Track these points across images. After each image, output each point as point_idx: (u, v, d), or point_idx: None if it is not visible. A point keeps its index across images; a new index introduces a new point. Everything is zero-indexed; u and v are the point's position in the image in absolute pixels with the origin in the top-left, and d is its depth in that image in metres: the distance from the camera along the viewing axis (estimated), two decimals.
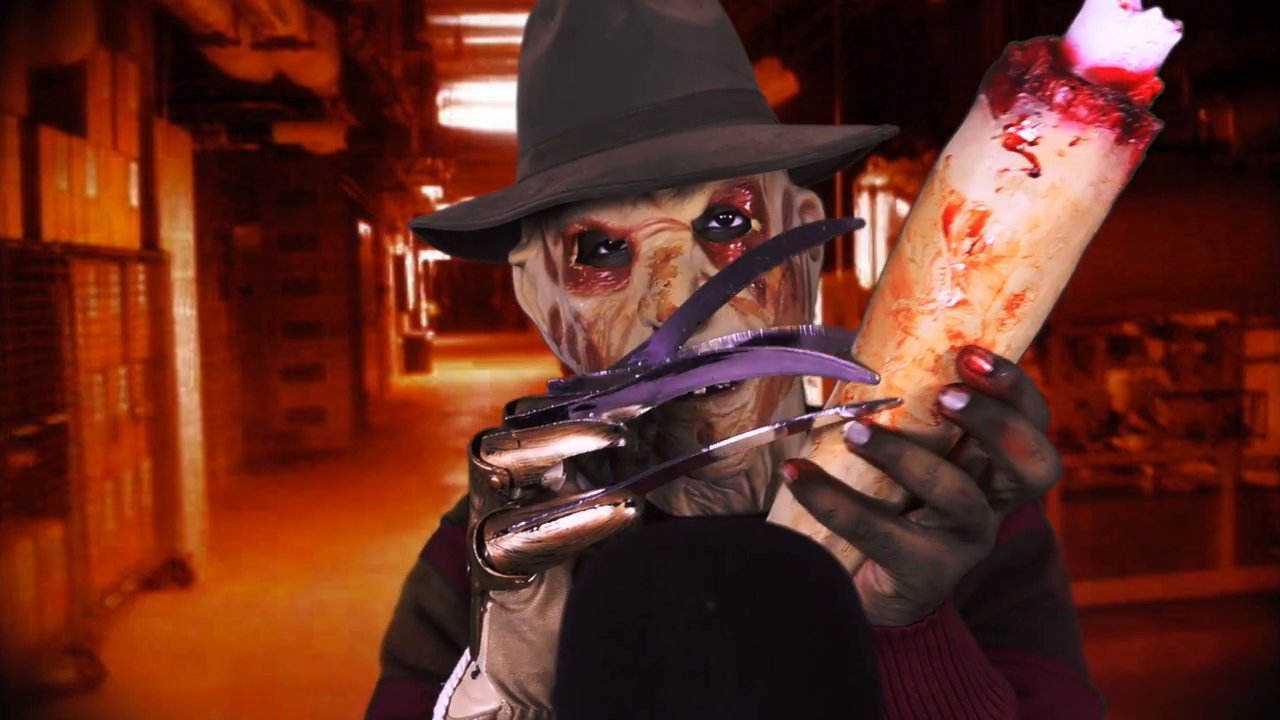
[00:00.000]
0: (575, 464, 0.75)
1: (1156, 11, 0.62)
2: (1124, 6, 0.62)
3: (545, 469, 0.71)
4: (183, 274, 7.59)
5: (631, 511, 0.69)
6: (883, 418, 0.68)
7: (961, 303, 0.66)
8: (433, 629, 1.00)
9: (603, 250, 0.89)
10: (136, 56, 6.86)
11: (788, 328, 0.81)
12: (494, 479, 0.71)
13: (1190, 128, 6.46)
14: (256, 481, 10.41)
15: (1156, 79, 0.64)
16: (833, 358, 0.70)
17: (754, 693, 0.57)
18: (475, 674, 0.80)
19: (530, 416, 0.73)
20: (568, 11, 0.92)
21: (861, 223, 0.79)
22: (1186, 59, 6.01)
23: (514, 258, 0.99)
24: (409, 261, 22.87)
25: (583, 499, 0.69)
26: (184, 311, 7.58)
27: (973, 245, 0.65)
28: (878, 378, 0.68)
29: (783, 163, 0.84)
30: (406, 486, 9.75)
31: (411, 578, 1.04)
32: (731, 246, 0.88)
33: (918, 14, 7.72)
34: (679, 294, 0.84)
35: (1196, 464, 6.38)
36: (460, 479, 10.06)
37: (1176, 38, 0.62)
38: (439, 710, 0.81)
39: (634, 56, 0.89)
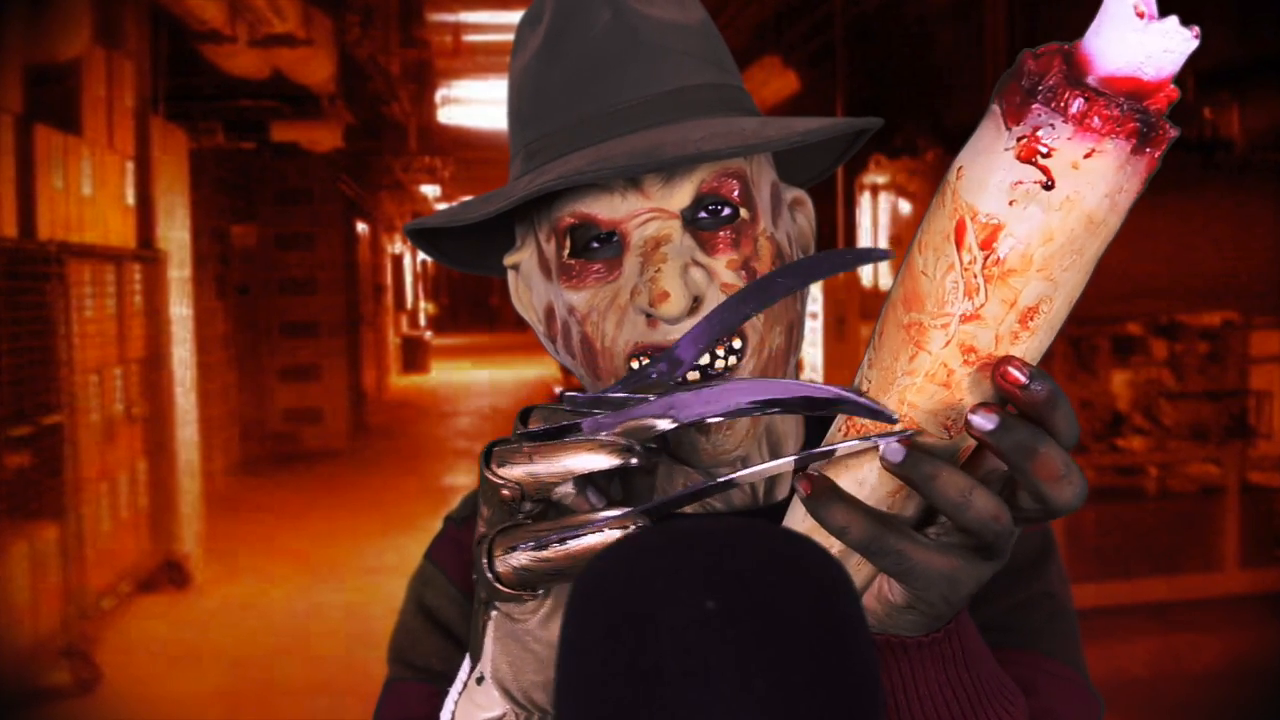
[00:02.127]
0: (587, 477, 0.74)
1: (1173, 19, 0.60)
2: (1140, 15, 0.60)
3: (556, 484, 0.71)
4: (179, 273, 7.57)
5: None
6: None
7: (974, 317, 0.65)
8: (439, 628, 1.01)
9: (594, 243, 0.90)
10: (132, 54, 6.84)
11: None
12: (504, 492, 0.72)
13: (1195, 126, 6.45)
14: (253, 482, 10.38)
15: (1173, 87, 0.62)
16: (851, 393, 0.69)
17: (754, 692, 0.57)
18: (480, 680, 0.80)
19: (543, 432, 0.72)
20: (554, 15, 0.94)
21: (890, 254, 0.76)
22: (1191, 57, 5.98)
23: (508, 260, 1.00)
24: (407, 261, 22.84)
25: (592, 521, 0.69)
26: (180, 311, 7.56)
27: (986, 259, 0.64)
28: (897, 417, 0.67)
29: (767, 146, 0.85)
30: (404, 488, 9.75)
31: (416, 578, 1.05)
32: (720, 234, 0.89)
33: (920, 11, 7.71)
34: (670, 279, 0.85)
35: (1201, 465, 6.35)
36: (459, 480, 10.07)
37: (1194, 45, 0.60)
38: (445, 716, 0.82)
39: (620, 54, 0.91)
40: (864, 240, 7.27)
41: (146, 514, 6.78)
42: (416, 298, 25.57)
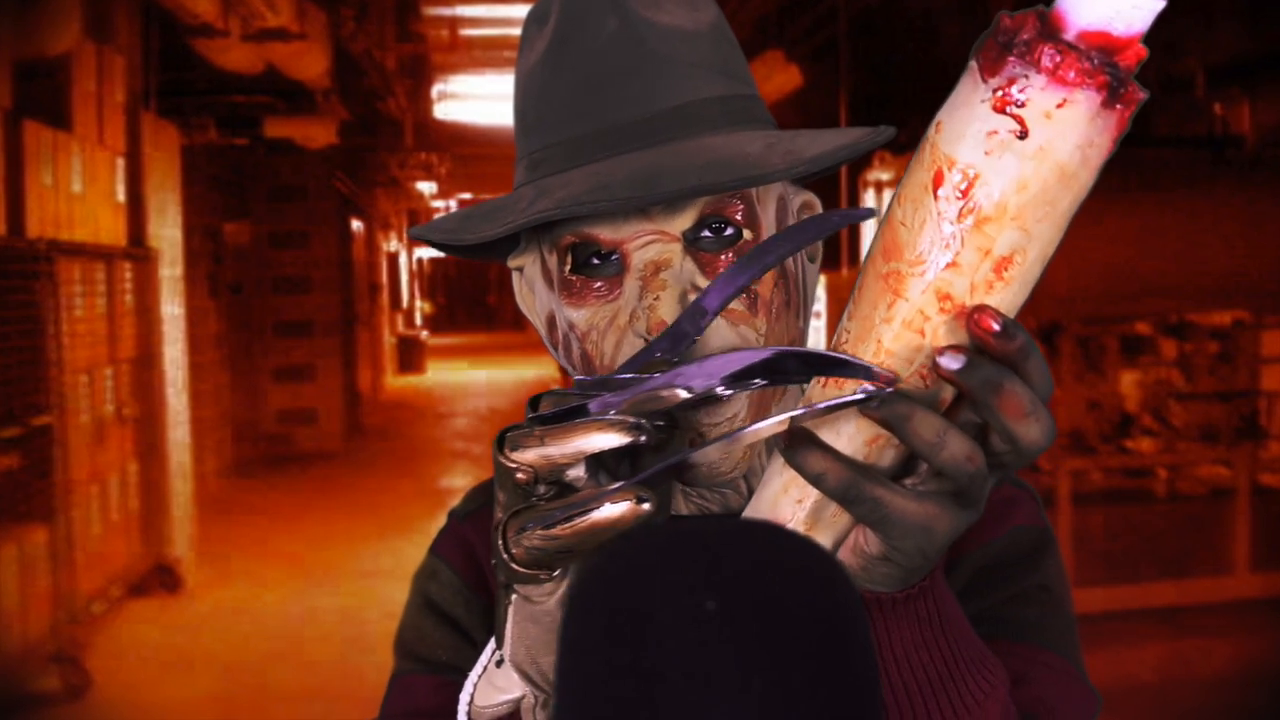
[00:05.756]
0: (597, 459, 0.76)
1: None
2: None
3: (568, 466, 0.73)
4: (171, 272, 7.55)
5: (647, 506, 0.71)
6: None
7: (951, 265, 0.68)
8: (444, 621, 1.02)
9: (595, 261, 0.91)
10: (123, 49, 6.83)
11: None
12: (518, 475, 0.74)
13: (1205, 122, 6.44)
14: (246, 485, 10.42)
15: (1141, 45, 0.65)
16: (846, 355, 0.71)
17: (754, 693, 0.57)
18: (500, 663, 0.82)
19: (553, 414, 0.74)
20: (560, 18, 0.93)
21: (871, 212, 0.81)
22: (1201, 52, 5.99)
23: (512, 262, 1.01)
24: (403, 259, 22.86)
25: (598, 496, 0.71)
26: (172, 310, 7.54)
27: (962, 208, 0.67)
28: (883, 372, 0.69)
29: (770, 177, 0.85)
30: (400, 490, 9.80)
31: (420, 573, 1.07)
32: (723, 257, 0.90)
33: (925, 4, 7.69)
34: (668, 307, 0.86)
35: (1211, 466, 6.35)
36: (456, 482, 10.09)
37: (1161, 3, 0.64)
38: (464, 698, 0.84)
39: (625, 66, 0.91)
40: (868, 237, 7.24)
41: (137, 517, 6.75)
42: (413, 297, 25.56)
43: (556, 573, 0.76)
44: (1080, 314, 6.08)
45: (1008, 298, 0.68)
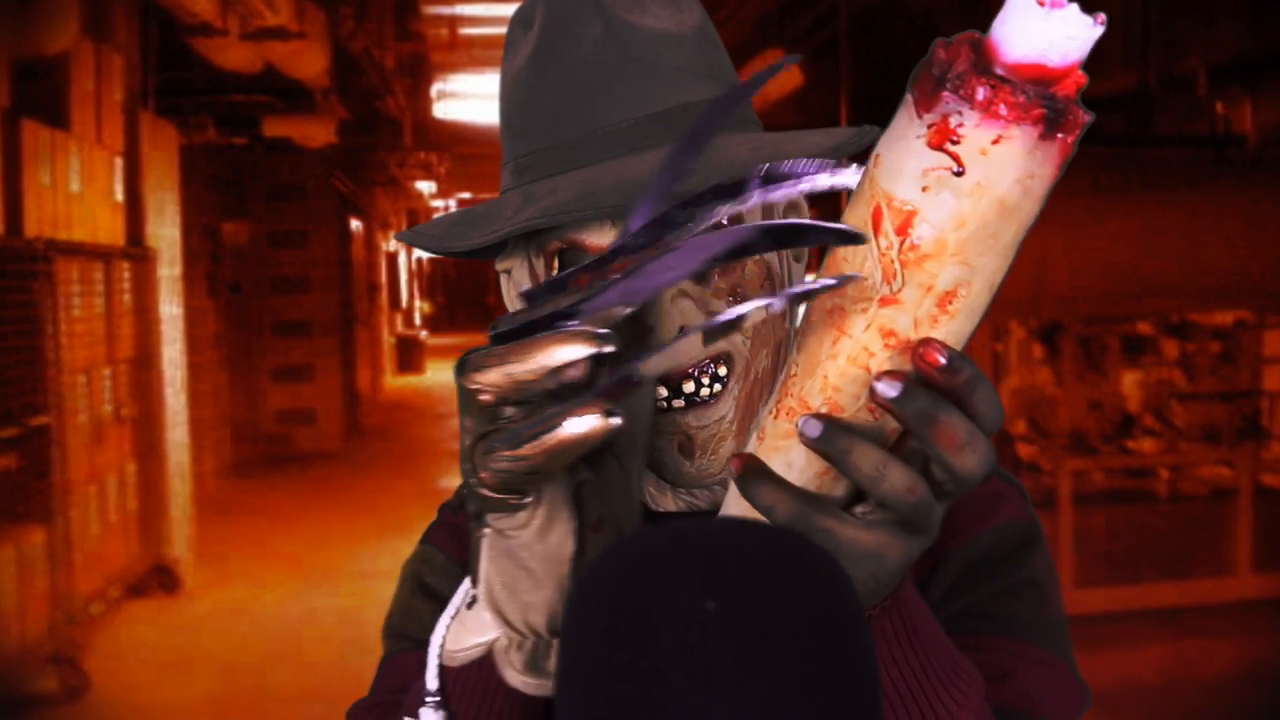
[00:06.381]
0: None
1: (1074, 7, 0.62)
2: (1041, 3, 0.62)
3: (533, 382, 0.69)
4: (169, 271, 7.55)
5: (616, 420, 0.68)
6: (822, 410, 0.70)
7: (893, 301, 0.67)
8: (436, 600, 1.01)
9: None
10: (121, 47, 6.83)
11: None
12: (482, 397, 0.70)
13: (1206, 121, 6.43)
14: (245, 485, 10.43)
15: (1081, 73, 0.64)
16: (800, 221, 0.70)
17: (754, 693, 0.58)
18: (471, 604, 0.82)
19: (513, 331, 0.71)
20: (545, 23, 0.94)
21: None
22: (1203, 50, 5.97)
23: (500, 265, 1.01)
24: (402, 258, 22.84)
25: (564, 410, 0.68)
26: (170, 310, 7.53)
27: (902, 244, 0.66)
28: (858, 232, 0.67)
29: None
30: (399, 490, 9.79)
31: (412, 561, 1.07)
32: None
33: (925, 4, 7.68)
34: (654, 313, 0.88)
35: (1213, 467, 6.36)
36: (455, 482, 10.00)
37: (1098, 32, 0.63)
38: (434, 642, 0.83)
39: (609, 72, 0.91)
40: None
41: (136, 517, 6.75)
42: (412, 296, 25.55)
43: (529, 500, 0.73)
44: (1081, 314, 6.06)
45: (954, 329, 0.68)
